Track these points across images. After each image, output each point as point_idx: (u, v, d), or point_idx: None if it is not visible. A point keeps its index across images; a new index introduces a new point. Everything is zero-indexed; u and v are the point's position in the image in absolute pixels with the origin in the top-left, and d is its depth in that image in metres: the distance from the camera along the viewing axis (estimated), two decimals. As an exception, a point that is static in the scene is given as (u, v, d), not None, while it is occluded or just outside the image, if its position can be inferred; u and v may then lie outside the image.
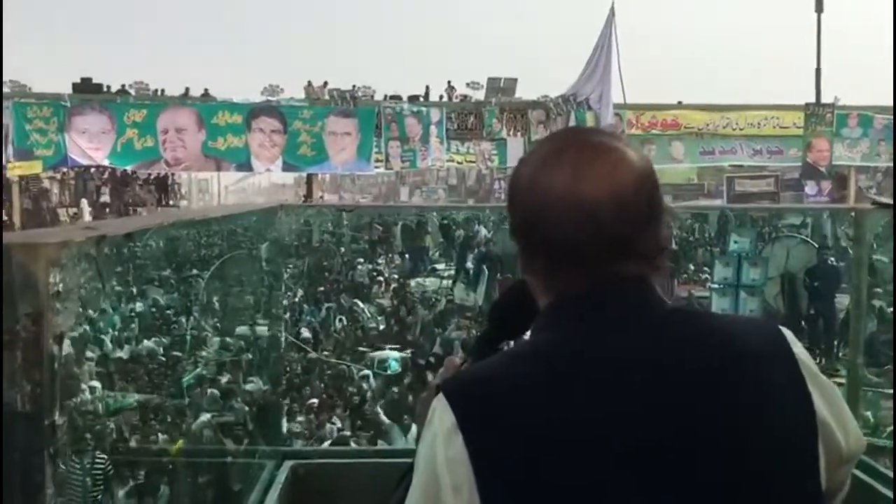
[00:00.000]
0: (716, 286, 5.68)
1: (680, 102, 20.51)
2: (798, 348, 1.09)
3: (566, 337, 1.01)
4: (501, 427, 0.92)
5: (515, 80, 23.95)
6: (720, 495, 0.96)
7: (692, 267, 14.18)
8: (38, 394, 1.41)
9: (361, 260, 19.12)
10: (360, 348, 11.55)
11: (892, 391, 7.39)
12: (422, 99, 21.49)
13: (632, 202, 1.01)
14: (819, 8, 19.70)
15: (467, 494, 0.91)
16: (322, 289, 15.87)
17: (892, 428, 7.21)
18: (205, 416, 7.83)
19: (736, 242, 5.27)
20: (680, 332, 1.02)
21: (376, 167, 20.33)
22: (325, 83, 20.92)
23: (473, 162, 20.29)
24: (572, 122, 19.46)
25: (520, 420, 0.93)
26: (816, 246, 12.43)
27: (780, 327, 1.11)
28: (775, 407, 1.01)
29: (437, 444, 0.94)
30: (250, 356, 10.74)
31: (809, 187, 20.56)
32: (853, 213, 3.38)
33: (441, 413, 0.95)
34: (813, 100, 19.03)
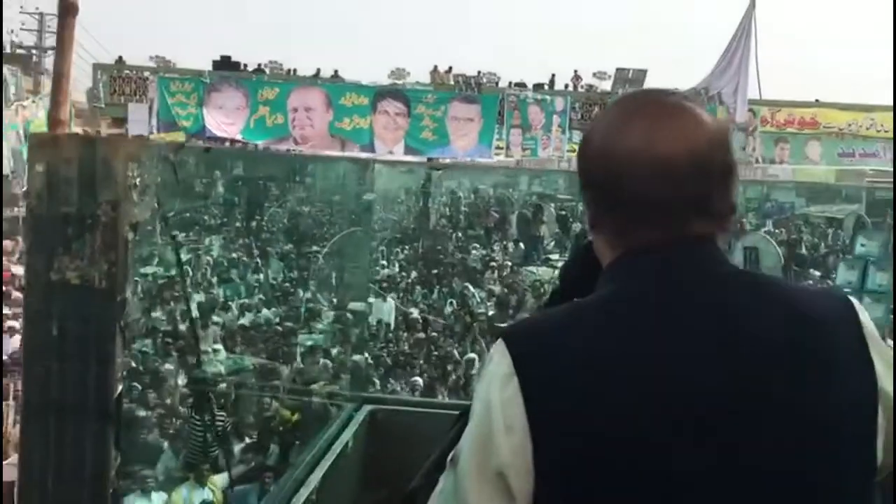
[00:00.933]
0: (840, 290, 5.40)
1: (817, 100, 19.50)
2: (864, 316, 1.06)
3: (630, 288, 1.01)
4: (554, 370, 0.94)
5: (645, 71, 23.34)
6: (780, 460, 0.94)
7: (818, 273, 13.49)
8: (114, 272, 1.54)
9: (477, 245, 19.23)
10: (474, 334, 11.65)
11: None
12: (547, 87, 21.32)
13: (706, 160, 1.01)
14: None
15: (520, 435, 0.93)
16: (435, 271, 16.07)
17: None
18: (315, 385, 8.11)
19: (863, 245, 4.97)
20: (746, 294, 1.01)
21: (496, 154, 20.37)
22: (450, 68, 21.06)
23: (594, 153, 20.00)
24: (701, 116, 18.84)
25: (573, 363, 0.94)
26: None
27: (849, 297, 1.09)
28: (840, 372, 0.99)
29: (493, 385, 0.97)
30: (360, 331, 11.07)
31: (958, 195, 19.14)
32: None
33: (499, 356, 0.98)
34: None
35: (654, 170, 1.00)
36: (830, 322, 1.02)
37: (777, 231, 16.54)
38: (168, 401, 7.82)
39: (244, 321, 11.76)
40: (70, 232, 1.52)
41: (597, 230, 1.09)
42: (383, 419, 3.13)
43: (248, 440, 7.57)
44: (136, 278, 13.07)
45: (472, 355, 10.56)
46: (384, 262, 17.11)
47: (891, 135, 18.45)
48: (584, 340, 0.96)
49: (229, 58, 20.22)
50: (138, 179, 1.51)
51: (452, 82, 20.68)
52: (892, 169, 19.13)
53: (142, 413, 7.59)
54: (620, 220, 1.04)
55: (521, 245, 18.27)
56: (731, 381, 0.95)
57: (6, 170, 10.27)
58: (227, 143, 20.34)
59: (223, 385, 7.77)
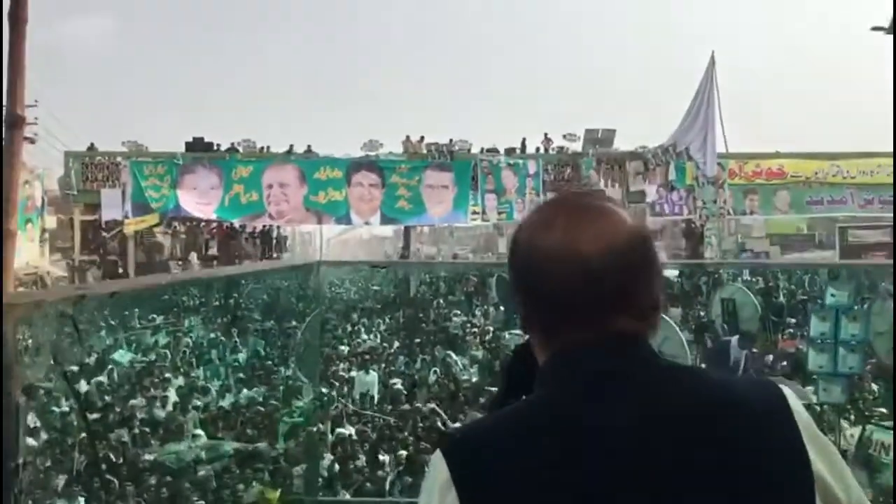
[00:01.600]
0: (813, 341, 5.40)
1: (777, 152, 19.90)
2: (797, 405, 1.06)
3: (553, 397, 1.02)
4: (489, 485, 0.96)
5: (613, 130, 23.84)
6: None
7: (793, 321, 13.55)
8: (5, 438, 1.46)
9: (458, 312, 19.18)
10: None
11: None
12: (518, 151, 21.65)
13: (625, 255, 1.02)
14: (934, 50, 18.79)
15: None
16: (418, 340, 15.97)
17: None
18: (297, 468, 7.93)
19: (833, 296, 5.00)
20: (674, 391, 1.01)
21: (473, 219, 20.54)
22: (422, 137, 21.37)
23: (570, 213, 20.22)
24: (671, 173, 19.17)
25: (505, 480, 0.96)
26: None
27: (782, 386, 1.08)
28: (770, 465, 0.99)
29: (434, 493, 0.99)
30: (342, 404, 10.90)
31: (928, 238, 19.47)
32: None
33: (437, 466, 1.00)
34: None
35: (573, 268, 1.01)
36: (761, 414, 1.02)
37: (753, 280, 16.65)
38: (145, 496, 7.59)
39: (224, 403, 11.58)
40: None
41: (529, 330, 1.09)
42: None
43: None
44: (110, 365, 12.87)
45: (458, 425, 10.42)
46: (365, 337, 16.99)
47: (857, 181, 18.82)
48: (510, 457, 0.97)
49: (202, 139, 20.39)
50: (30, 341, 1.45)
51: (425, 151, 20.97)
52: (861, 215, 19.46)
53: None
54: (546, 320, 1.05)
55: (502, 308, 18.25)
56: (654, 487, 0.95)
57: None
58: (202, 224, 20.38)
59: (202, 472, 7.60)
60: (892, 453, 5.70)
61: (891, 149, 18.63)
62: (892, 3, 17.50)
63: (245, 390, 12.29)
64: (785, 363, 10.70)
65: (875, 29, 19.02)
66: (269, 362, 13.53)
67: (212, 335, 15.71)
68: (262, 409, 10.77)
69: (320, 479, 7.95)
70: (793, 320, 13.70)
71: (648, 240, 1.07)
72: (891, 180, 18.20)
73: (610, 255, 1.01)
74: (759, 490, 0.97)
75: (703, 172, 17.85)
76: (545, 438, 0.97)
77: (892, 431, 6.03)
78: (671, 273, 15.29)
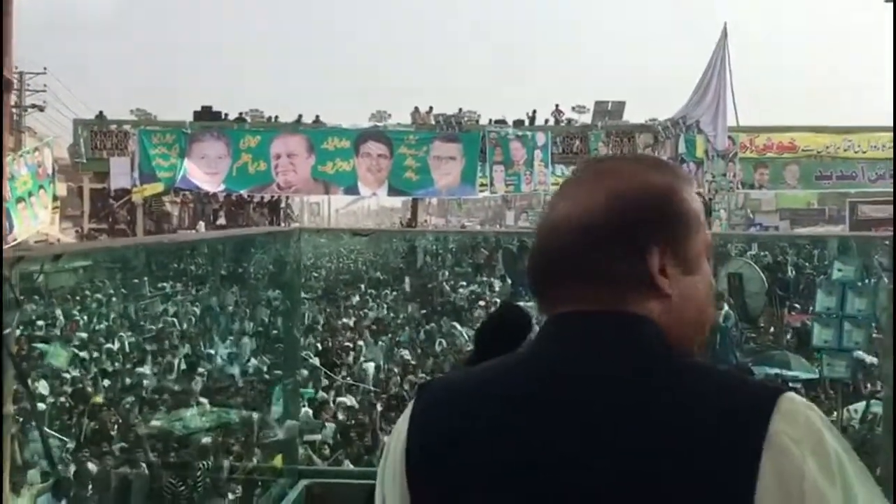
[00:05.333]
0: (819, 316, 5.37)
1: (790, 127, 19.69)
2: (781, 427, 0.84)
3: (518, 358, 0.99)
4: (428, 428, 0.97)
5: (623, 103, 23.63)
6: None
7: (797, 301, 13.49)
8: None
9: (464, 283, 19.19)
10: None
11: None
12: (527, 123, 21.51)
13: (599, 224, 0.94)
14: (951, 23, 18.50)
15: (399, 480, 0.98)
16: (424, 311, 16.01)
17: None
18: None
19: (840, 270, 4.96)
20: (597, 371, 0.92)
21: (481, 191, 20.45)
22: (431, 108, 21.24)
23: (578, 186, 20.15)
24: (681, 146, 19.00)
25: (439, 427, 0.96)
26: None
27: (779, 399, 0.86)
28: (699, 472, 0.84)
29: (394, 434, 1.01)
30: (346, 375, 10.96)
31: (937, 213, 19.32)
32: (887, 243, 3.21)
33: (408, 408, 1.02)
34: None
35: (543, 237, 0.99)
36: (714, 419, 0.86)
37: (762, 254, 16.56)
38: (153, 456, 7.68)
39: (232, 371, 11.66)
40: None
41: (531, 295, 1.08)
42: (321, 494, 3.08)
43: (230, 497, 7.42)
44: (121, 333, 12.97)
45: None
46: (373, 305, 17.04)
47: (868, 156, 18.64)
48: (462, 412, 0.96)
49: (210, 108, 20.34)
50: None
51: (433, 122, 20.86)
52: (871, 190, 19.30)
53: (127, 470, 7.46)
54: (535, 285, 1.01)
55: (509, 281, 18.26)
56: (558, 469, 0.89)
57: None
58: (211, 193, 20.38)
59: (207, 439, 7.66)
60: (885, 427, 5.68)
61: (904, 123, 18.45)
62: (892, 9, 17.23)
63: (245, 359, 12.37)
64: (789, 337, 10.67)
65: (889, 0, 18.73)
66: (267, 331, 13.61)
67: (213, 304, 15.78)
68: (266, 376, 10.84)
69: (326, 447, 8.04)
70: (797, 300, 13.65)
71: (644, 208, 0.96)
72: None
73: (578, 220, 0.95)
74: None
75: (713, 146, 17.72)
76: (488, 404, 0.95)
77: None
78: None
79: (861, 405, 8.08)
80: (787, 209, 26.67)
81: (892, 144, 18.26)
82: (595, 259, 0.94)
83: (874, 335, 5.27)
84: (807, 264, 17.94)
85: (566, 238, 0.96)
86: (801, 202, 27.56)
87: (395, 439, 1.01)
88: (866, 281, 5.01)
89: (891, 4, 17.53)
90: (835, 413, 7.16)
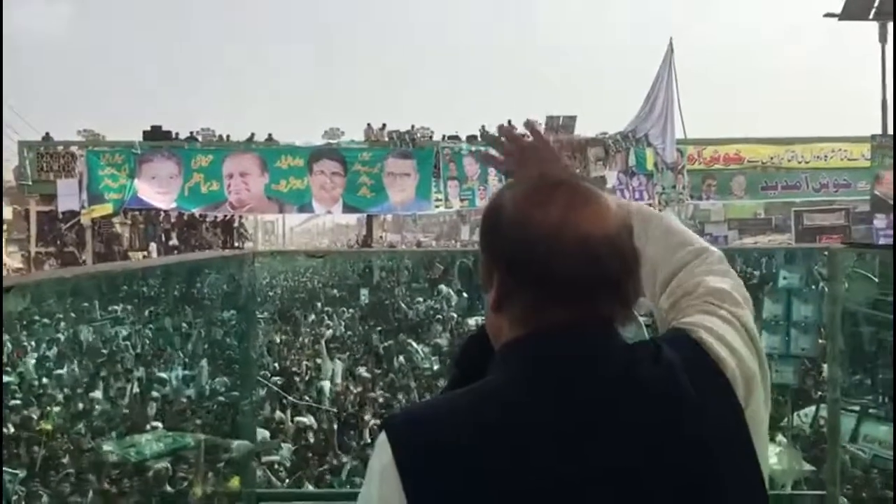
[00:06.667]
0: (766, 323, 5.50)
1: (735, 139, 20.15)
2: (701, 335, 1.09)
3: (515, 382, 0.99)
4: (434, 471, 0.92)
5: (574, 117, 23.92)
6: None
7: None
8: None
9: (421, 299, 19.18)
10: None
11: None
12: (480, 138, 21.64)
13: (620, 244, 1.01)
14: (883, 38, 19.21)
15: None
16: (381, 328, 15.96)
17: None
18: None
19: (785, 278, 5.09)
20: (633, 386, 1.00)
21: (436, 206, 20.52)
22: (384, 125, 21.26)
23: (531, 200, 20.35)
24: (631, 159, 19.33)
25: (451, 467, 0.92)
26: (877, 280, 11.94)
27: (700, 337, 1.10)
28: (713, 434, 1.00)
29: (374, 479, 0.95)
30: (302, 394, 10.87)
31: (879, 220, 19.90)
32: (825, 253, 3.40)
33: (380, 450, 0.96)
34: (879, 131, 18.46)
35: (576, 248, 0.98)
36: (697, 385, 1.03)
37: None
38: (106, 483, 7.51)
39: (188, 394, 11.47)
40: None
41: (502, 307, 1.04)
42: None
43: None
44: (71, 358, 12.69)
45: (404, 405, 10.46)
46: (329, 323, 16.93)
47: (811, 166, 19.16)
48: (469, 444, 0.93)
49: (160, 127, 20.05)
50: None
51: (387, 139, 20.88)
52: (815, 199, 19.82)
53: (79, 499, 7.30)
54: (534, 297, 1.01)
55: (465, 295, 18.31)
56: (607, 487, 0.93)
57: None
58: (162, 214, 20.08)
59: (162, 465, 7.53)
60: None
61: (845, 134, 19.03)
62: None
63: (202, 381, 12.19)
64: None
65: (827, 15, 19.38)
66: (224, 352, 13.43)
67: (166, 326, 15.54)
68: (221, 398, 10.70)
69: (283, 468, 7.96)
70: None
71: (632, 231, 1.06)
72: (844, 164, 18.60)
73: (606, 239, 1.00)
74: (721, 477, 0.98)
75: (662, 158, 18.06)
76: (501, 432, 0.93)
77: (856, 415, 6.20)
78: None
79: (811, 409, 8.26)
80: (735, 219, 27.21)
81: (832, 154, 18.84)
82: (616, 275, 1.01)
83: (820, 341, 5.45)
84: (755, 273, 18.32)
85: (598, 253, 1.00)
86: (748, 212, 28.12)
87: (375, 490, 0.94)
88: (812, 287, 5.16)
89: (831, 20, 18.14)
90: (785, 419, 7.32)
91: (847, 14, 19.16)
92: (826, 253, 3.30)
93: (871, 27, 19.27)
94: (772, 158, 19.38)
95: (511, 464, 0.92)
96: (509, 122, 22.77)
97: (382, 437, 0.96)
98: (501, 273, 1.03)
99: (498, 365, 1.03)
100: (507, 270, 1.03)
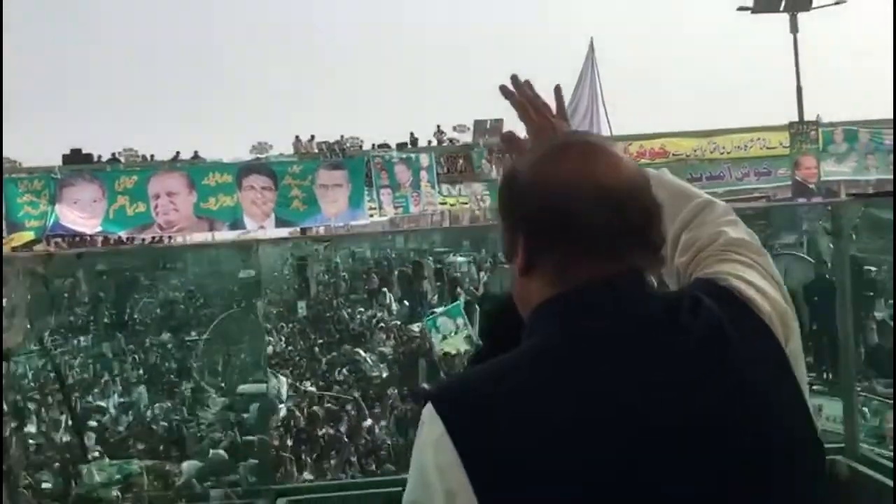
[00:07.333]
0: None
1: (659, 134, 20.71)
2: (736, 284, 1.10)
3: (582, 328, 0.98)
4: (491, 432, 0.90)
5: (501, 120, 24.12)
6: (727, 482, 0.94)
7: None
8: None
9: (362, 309, 19.06)
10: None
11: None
12: (409, 145, 21.69)
13: (641, 193, 1.02)
14: (794, 29, 19.97)
15: (464, 499, 0.89)
16: (321, 341, 15.79)
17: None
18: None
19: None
20: (678, 333, 0.99)
21: (370, 215, 20.44)
22: (313, 137, 21.12)
23: (466, 203, 20.44)
24: (561, 158, 19.65)
25: (504, 426, 0.91)
26: (812, 262, 12.42)
27: (729, 284, 1.10)
28: (755, 375, 1.00)
29: (427, 451, 0.92)
30: (252, 413, 10.65)
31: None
32: (829, 208, 3.38)
33: (429, 421, 0.93)
34: (796, 118, 19.18)
35: (599, 200, 0.98)
36: (736, 331, 1.03)
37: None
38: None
39: (128, 420, 11.12)
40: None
41: (533, 269, 1.03)
42: None
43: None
44: None
45: (370, 422, 10.37)
46: (270, 339, 16.66)
47: (732, 156, 19.77)
48: (524, 405, 0.92)
49: (80, 150, 19.46)
50: (6, 300, 1.31)
51: (316, 150, 20.71)
52: (737, 188, 20.46)
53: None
54: (565, 254, 1.00)
55: (406, 303, 18.28)
56: (661, 428, 0.93)
57: None
58: (88, 239, 19.45)
59: (110, 493, 7.26)
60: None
61: (763, 123, 19.70)
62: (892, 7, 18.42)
63: (146, 405, 11.86)
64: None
65: (741, 9, 20.07)
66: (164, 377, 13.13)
67: (104, 351, 15.08)
68: (165, 423, 10.42)
69: (239, 488, 7.75)
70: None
71: (648, 179, 1.06)
72: (764, 153, 19.25)
73: (626, 188, 1.00)
74: (770, 427, 0.98)
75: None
76: (551, 387, 0.92)
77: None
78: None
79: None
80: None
81: (752, 143, 19.48)
82: (641, 224, 1.02)
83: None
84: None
85: (622, 204, 1.00)
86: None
87: (431, 461, 0.91)
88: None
89: (746, 13, 18.77)
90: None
91: (759, 7, 19.86)
92: (830, 208, 3.27)
93: (783, 19, 20.03)
94: (695, 151, 19.91)
95: (564, 417, 0.90)
96: (438, 127, 22.91)
97: (429, 411, 0.94)
98: (526, 236, 1.03)
99: (534, 328, 1.02)
100: (531, 232, 1.03)
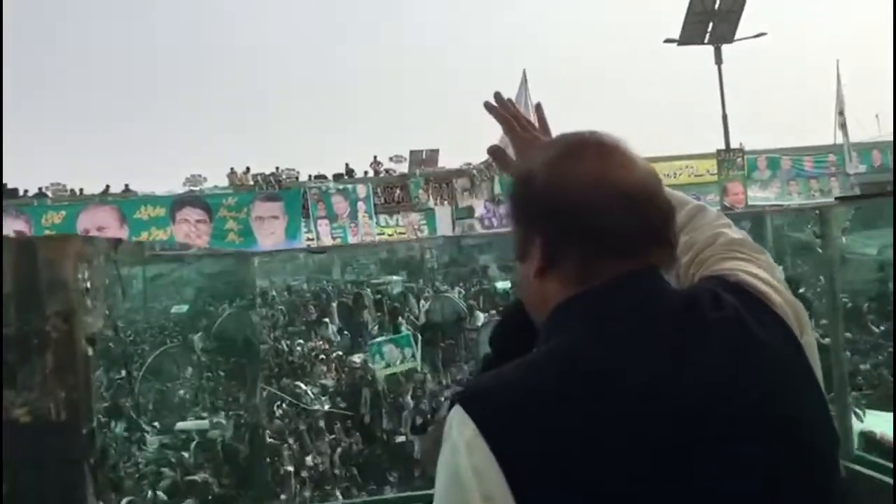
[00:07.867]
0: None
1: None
2: (739, 276, 1.12)
3: (580, 336, 0.98)
4: (525, 432, 0.90)
5: (437, 150, 24.34)
6: (753, 483, 0.95)
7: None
8: (74, 399, 1.25)
9: (301, 341, 18.80)
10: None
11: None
12: (346, 176, 21.63)
13: (655, 190, 1.04)
14: (718, 60, 20.71)
15: (501, 501, 0.87)
16: (262, 374, 15.51)
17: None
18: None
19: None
20: (704, 327, 1.01)
21: (307, 246, 20.22)
22: (248, 168, 20.87)
23: (404, 233, 20.44)
24: (496, 188, 19.84)
25: (537, 424, 0.90)
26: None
27: (739, 279, 1.13)
28: (783, 375, 1.02)
29: (460, 454, 0.90)
30: (191, 452, 10.37)
31: (730, 229, 21.27)
32: (817, 212, 3.35)
33: (459, 423, 0.91)
34: (722, 146, 19.83)
35: (618, 199, 1.00)
36: (764, 332, 1.05)
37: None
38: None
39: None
40: (11, 359, 1.24)
41: (552, 270, 1.03)
42: None
43: None
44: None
45: (312, 456, 10.22)
46: (209, 375, 16.27)
47: (665, 183, 20.28)
48: (544, 402, 0.91)
49: (5, 185, 18.84)
50: (89, 283, 1.26)
51: (252, 182, 20.49)
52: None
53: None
54: (582, 254, 1.01)
55: (347, 333, 18.11)
56: (691, 423, 0.93)
57: None
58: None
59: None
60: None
61: (692, 152, 20.30)
62: (682, 18, 19.11)
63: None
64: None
65: (668, 41, 20.72)
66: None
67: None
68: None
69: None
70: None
71: (658, 176, 1.08)
72: (692, 180, 19.82)
73: (642, 185, 1.02)
74: (799, 421, 1.00)
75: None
76: (581, 384, 0.92)
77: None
78: (503, 285, 15.84)
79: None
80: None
81: (681, 171, 20.04)
82: (662, 224, 1.04)
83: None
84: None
85: (639, 202, 1.01)
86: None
87: (465, 463, 0.90)
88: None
89: (672, 45, 19.39)
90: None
91: (684, 39, 20.54)
92: (818, 212, 3.25)
93: (708, 51, 20.76)
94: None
95: (595, 413, 0.90)
96: (375, 158, 22.93)
97: (459, 413, 0.93)
98: (544, 236, 1.03)
99: (554, 328, 1.02)
100: (550, 232, 1.03)
